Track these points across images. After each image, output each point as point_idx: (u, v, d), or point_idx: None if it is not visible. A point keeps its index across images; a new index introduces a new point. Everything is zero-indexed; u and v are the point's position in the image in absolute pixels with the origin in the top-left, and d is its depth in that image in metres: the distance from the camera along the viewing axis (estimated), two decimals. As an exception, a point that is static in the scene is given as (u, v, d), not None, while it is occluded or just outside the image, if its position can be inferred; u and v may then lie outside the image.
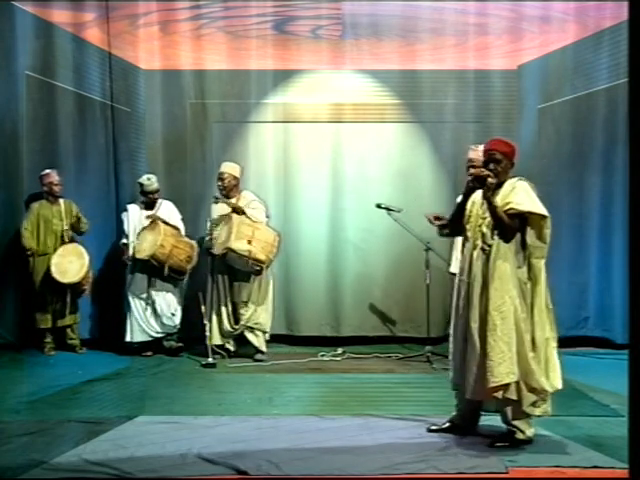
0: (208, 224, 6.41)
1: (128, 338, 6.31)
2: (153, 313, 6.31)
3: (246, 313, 6.22)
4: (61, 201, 6.52)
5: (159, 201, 6.46)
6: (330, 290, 7.07)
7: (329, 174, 7.05)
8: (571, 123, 6.85)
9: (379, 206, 6.37)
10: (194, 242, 6.40)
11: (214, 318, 6.27)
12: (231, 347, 6.38)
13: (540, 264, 3.79)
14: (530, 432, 3.83)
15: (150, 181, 6.36)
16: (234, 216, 6.14)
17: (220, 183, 6.30)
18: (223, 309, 6.26)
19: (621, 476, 3.30)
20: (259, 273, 6.22)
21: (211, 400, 4.90)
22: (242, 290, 6.24)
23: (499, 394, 3.74)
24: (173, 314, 6.32)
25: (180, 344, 6.42)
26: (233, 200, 6.28)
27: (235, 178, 6.34)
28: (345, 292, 7.07)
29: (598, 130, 6.74)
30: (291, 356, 6.45)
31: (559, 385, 3.81)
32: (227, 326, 6.26)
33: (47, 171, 6.46)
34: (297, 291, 7.02)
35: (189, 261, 6.27)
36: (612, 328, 6.60)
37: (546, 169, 6.57)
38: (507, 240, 3.75)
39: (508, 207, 3.71)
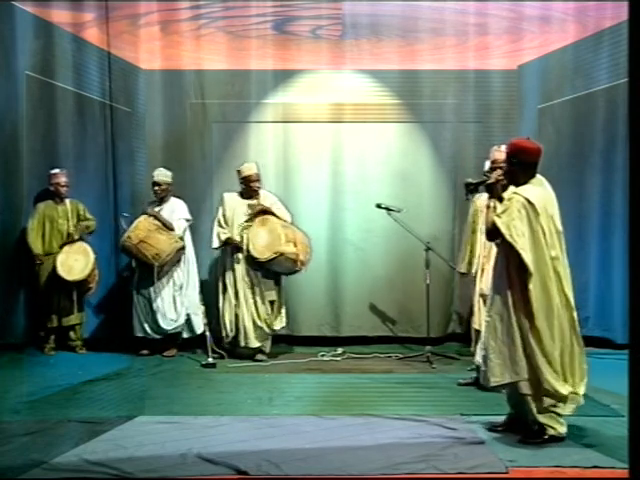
0: (220, 217, 6.30)
1: (137, 333, 6.36)
2: (150, 311, 6.32)
3: (276, 315, 6.24)
4: (67, 201, 6.54)
5: (171, 200, 6.47)
6: (330, 290, 7.08)
7: (329, 174, 7.05)
8: (571, 123, 6.86)
9: (379, 206, 6.37)
10: (176, 242, 6.26)
11: (250, 321, 6.19)
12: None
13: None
14: (561, 429, 3.83)
15: (160, 171, 6.40)
16: (273, 219, 6.13)
17: (253, 184, 6.25)
18: (261, 310, 6.19)
19: (621, 476, 3.30)
20: (295, 273, 6.24)
21: (211, 400, 4.89)
22: (267, 289, 6.22)
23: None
24: (172, 319, 6.32)
25: (172, 353, 6.39)
26: (255, 201, 6.27)
27: (259, 176, 6.34)
28: (345, 292, 7.07)
29: (598, 130, 6.74)
30: (291, 356, 6.45)
31: (579, 389, 3.80)
32: (266, 329, 6.21)
33: (56, 171, 6.47)
34: (297, 291, 7.01)
35: (156, 258, 6.14)
36: (612, 328, 6.59)
37: (546, 169, 6.57)
38: (488, 239, 3.97)
39: (495, 220, 3.79)
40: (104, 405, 4.78)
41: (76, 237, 6.44)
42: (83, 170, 6.81)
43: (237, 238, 6.21)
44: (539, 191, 3.85)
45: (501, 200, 3.90)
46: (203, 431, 4.09)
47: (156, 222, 6.26)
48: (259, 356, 6.25)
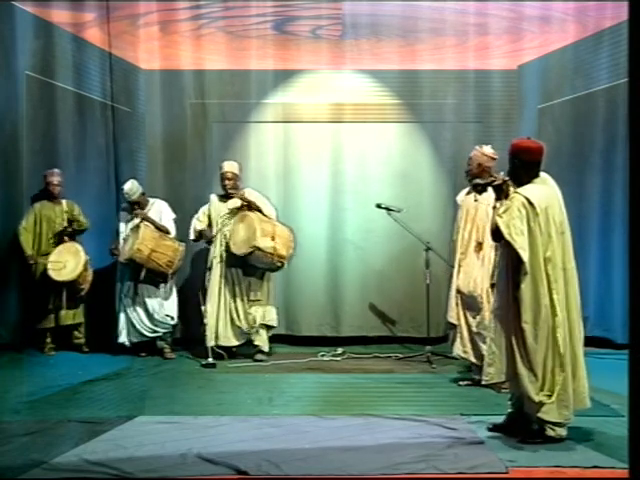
0: (200, 214, 6.32)
1: (121, 339, 6.31)
2: (146, 314, 6.27)
3: (258, 312, 6.21)
4: (63, 201, 6.54)
5: (151, 201, 6.44)
6: (330, 290, 7.08)
7: (329, 174, 7.06)
8: (571, 123, 6.86)
9: (379, 206, 6.37)
10: (180, 245, 6.30)
11: (227, 318, 6.20)
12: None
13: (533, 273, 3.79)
14: (561, 430, 3.83)
15: (132, 190, 6.25)
16: (252, 214, 6.11)
17: (227, 182, 6.25)
18: (240, 308, 6.20)
19: (621, 476, 3.29)
20: (278, 269, 6.22)
21: (211, 400, 4.89)
22: (252, 288, 6.21)
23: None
24: (167, 315, 6.30)
25: (173, 356, 6.36)
26: (236, 199, 6.26)
27: (237, 176, 6.33)
28: (345, 292, 7.08)
29: (598, 130, 6.74)
30: (291, 356, 6.45)
31: (546, 399, 3.76)
32: (244, 325, 6.20)
33: (50, 170, 6.47)
34: (297, 291, 7.02)
35: (170, 265, 6.19)
36: (612, 328, 6.59)
37: (546, 169, 6.57)
38: (493, 239, 3.96)
39: (497, 220, 3.79)
40: (104, 405, 4.78)
41: (66, 240, 6.42)
42: (83, 170, 6.81)
43: (217, 237, 6.21)
44: (541, 190, 3.85)
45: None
46: (203, 431, 4.08)
47: (155, 229, 6.24)
48: (259, 356, 6.25)
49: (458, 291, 5.20)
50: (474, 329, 5.08)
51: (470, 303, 5.09)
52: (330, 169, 7.06)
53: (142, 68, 7.05)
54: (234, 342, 6.25)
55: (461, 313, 5.18)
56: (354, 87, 7.06)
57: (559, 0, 6.79)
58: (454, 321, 5.25)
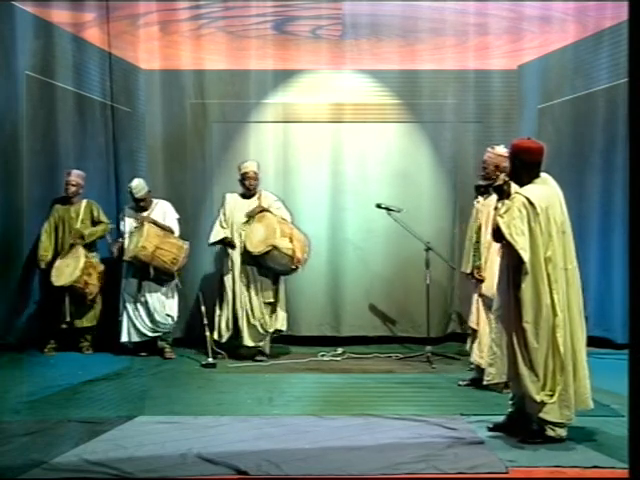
0: (221, 217, 6.28)
1: (124, 339, 6.30)
2: (147, 313, 6.26)
3: (274, 316, 6.22)
4: (84, 202, 6.53)
5: (154, 201, 6.43)
6: (330, 290, 7.08)
7: (329, 174, 7.05)
8: (571, 123, 6.86)
9: (379, 206, 6.37)
10: (184, 243, 6.30)
11: (244, 318, 6.18)
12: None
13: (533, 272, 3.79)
14: (561, 431, 3.83)
15: (138, 187, 6.26)
16: (271, 215, 6.12)
17: (251, 182, 6.24)
18: (256, 308, 6.18)
19: (621, 476, 3.30)
20: (292, 272, 6.21)
21: (211, 400, 4.89)
22: (267, 290, 6.22)
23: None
24: (168, 315, 6.29)
25: (173, 355, 6.34)
26: (254, 198, 6.27)
27: (258, 175, 6.32)
28: (345, 292, 7.07)
29: (598, 130, 6.74)
30: (291, 356, 6.46)
31: (548, 399, 3.76)
32: (260, 329, 6.20)
33: (69, 170, 6.49)
34: (297, 291, 7.01)
35: (175, 263, 6.18)
36: (612, 328, 6.59)
37: (546, 169, 6.57)
38: (495, 240, 3.96)
39: (498, 221, 3.80)
40: (104, 405, 4.78)
41: (71, 242, 6.41)
42: (83, 170, 6.78)
43: (235, 237, 6.21)
44: (542, 190, 3.85)
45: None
46: (203, 431, 4.09)
47: (158, 228, 6.24)
48: (259, 356, 6.25)
49: (480, 294, 5.11)
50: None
51: (492, 305, 5.02)
52: (330, 169, 7.05)
53: (142, 68, 7.04)
54: (250, 343, 6.23)
55: (482, 317, 5.08)
56: (354, 87, 7.05)
57: (559, 0, 6.79)
58: (474, 326, 5.17)
